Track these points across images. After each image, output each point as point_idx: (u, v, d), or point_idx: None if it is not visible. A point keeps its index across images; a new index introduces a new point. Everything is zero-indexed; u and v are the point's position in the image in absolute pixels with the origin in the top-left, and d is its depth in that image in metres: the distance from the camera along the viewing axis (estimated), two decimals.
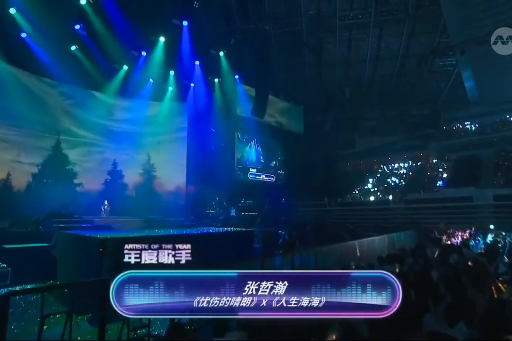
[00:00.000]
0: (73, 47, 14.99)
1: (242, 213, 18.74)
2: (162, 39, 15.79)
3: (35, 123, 16.05)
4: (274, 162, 24.27)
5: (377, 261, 5.26)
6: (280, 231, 7.26)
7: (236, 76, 19.77)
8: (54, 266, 7.73)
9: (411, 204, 18.91)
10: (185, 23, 15.64)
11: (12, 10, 13.25)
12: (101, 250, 5.73)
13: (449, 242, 9.85)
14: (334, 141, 28.26)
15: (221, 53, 17.99)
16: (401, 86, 27.88)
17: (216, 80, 19.39)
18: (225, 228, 9.60)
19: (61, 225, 8.19)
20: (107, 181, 17.41)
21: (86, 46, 14.75)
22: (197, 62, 17.82)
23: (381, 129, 29.62)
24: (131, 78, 16.88)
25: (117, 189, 17.52)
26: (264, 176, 22.99)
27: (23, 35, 14.05)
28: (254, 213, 19.31)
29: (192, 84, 18.98)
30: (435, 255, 5.84)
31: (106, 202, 13.55)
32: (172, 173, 19.11)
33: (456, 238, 10.48)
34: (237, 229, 9.06)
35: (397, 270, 4.78)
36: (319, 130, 25.94)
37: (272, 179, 23.54)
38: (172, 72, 17.98)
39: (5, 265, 7.20)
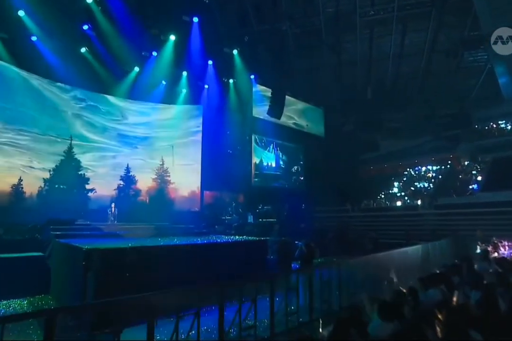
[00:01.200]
0: (82, 49, 14.69)
1: (260, 220, 17.80)
2: (172, 37, 15.22)
3: (47, 128, 15.83)
4: (296, 167, 23.30)
5: (418, 283, 4.23)
6: (296, 242, 6.28)
7: (252, 76, 19.01)
8: (48, 278, 7.08)
9: (442, 209, 17.40)
10: (195, 19, 14.99)
11: (21, 13, 13.08)
12: (84, 263, 4.99)
13: (496, 254, 8.52)
14: (356, 144, 26.96)
15: (235, 52, 17.21)
16: (427, 84, 26.29)
17: (230, 81, 18.71)
18: (236, 237, 8.70)
19: (57, 233, 7.53)
20: (119, 186, 16.95)
21: (96, 48, 14.44)
22: (210, 62, 17.20)
23: (405, 131, 28.05)
24: (143, 80, 16.43)
25: (130, 194, 17.04)
26: (284, 181, 22.02)
27: (33, 38, 13.87)
28: (272, 220, 18.35)
29: (206, 86, 18.37)
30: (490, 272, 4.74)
31: (113, 205, 12.96)
32: (186, 177, 18.46)
33: (504, 249, 9.11)
34: (249, 238, 8.14)
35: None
36: (340, 133, 24.80)
37: (292, 184, 22.51)
38: (185, 73, 17.45)
39: None
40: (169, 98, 18.16)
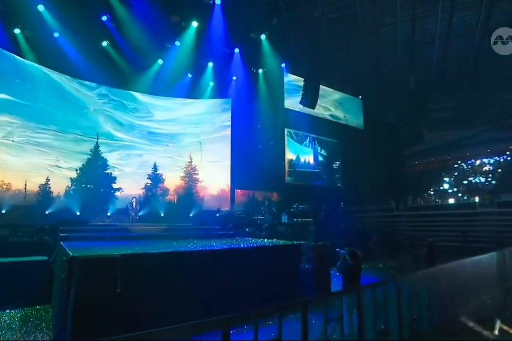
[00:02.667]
0: (104, 43, 14.25)
1: (295, 220, 16.45)
2: (194, 24, 14.24)
3: (74, 127, 15.54)
4: (337, 163, 21.63)
5: None
6: (338, 250, 4.96)
7: (283, 65, 17.69)
8: (51, 285, 6.29)
9: (507, 207, 15.06)
10: (218, 1, 13.83)
11: (41, 7, 12.78)
12: (63, 276, 4.05)
13: None
14: (399, 136, 24.75)
15: (263, 37, 15.86)
16: (479, 68, 23.49)
17: (260, 70, 17.50)
18: (265, 240, 7.44)
19: (64, 234, 6.76)
20: (147, 185, 16.33)
21: (117, 41, 13.96)
22: (236, 50, 16.07)
23: (454, 121, 25.34)
24: (168, 73, 15.64)
25: (158, 193, 16.38)
26: (324, 179, 20.53)
27: (56, 34, 13.56)
28: (308, 219, 16.93)
29: (234, 77, 17.31)
30: None
31: (134, 200, 12.21)
32: (216, 175, 17.50)
33: None
34: (279, 242, 6.86)
35: None
36: (381, 125, 22.76)
37: (332, 182, 20.86)
38: (210, 65, 16.50)
39: None
40: (196, 92, 17.32)
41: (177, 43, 14.74)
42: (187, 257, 4.69)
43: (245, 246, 5.93)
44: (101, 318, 3.67)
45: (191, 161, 17.38)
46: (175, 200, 16.62)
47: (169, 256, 4.60)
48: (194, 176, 17.32)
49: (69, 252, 4.11)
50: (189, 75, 16.47)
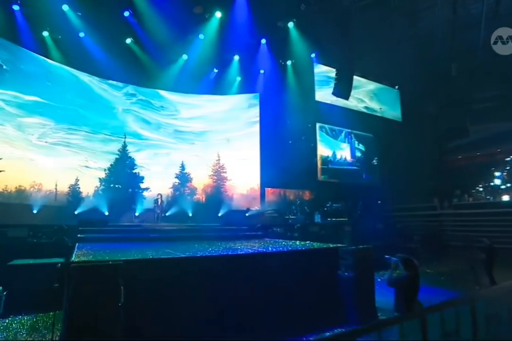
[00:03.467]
0: (128, 40, 14.08)
1: (328, 219, 15.46)
2: (218, 14, 13.60)
3: (101, 127, 15.53)
4: (376, 158, 20.25)
5: None
6: (387, 256, 4.07)
7: (312, 55, 16.67)
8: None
9: None
10: None
11: (65, 7, 12.76)
12: (55, 285, 3.53)
13: None
14: (440, 129, 22.89)
15: (291, 24, 14.91)
16: None
17: (288, 62, 16.62)
18: (297, 243, 6.60)
19: (80, 236, 6.37)
20: (175, 184, 16.01)
21: (140, 37, 13.73)
22: (263, 41, 15.28)
23: (503, 111, 23.11)
24: (193, 69, 15.23)
25: (185, 193, 16.00)
26: (362, 176, 19.38)
27: (81, 34, 13.54)
28: (343, 219, 15.87)
29: (261, 71, 16.59)
30: None
31: (159, 197, 11.79)
32: (244, 173, 16.88)
33: None
34: (312, 245, 6.00)
35: None
36: (421, 117, 21.12)
37: (370, 179, 19.56)
38: (236, 58, 15.91)
39: (0, 288, 5.55)
40: (223, 87, 16.79)
41: (201, 36, 14.21)
42: (204, 263, 4.03)
43: (274, 249, 5.16)
44: (100, 335, 3.08)
45: (219, 160, 16.88)
46: (203, 199, 16.18)
47: (183, 262, 3.96)
48: (222, 174, 16.79)
49: (73, 256, 3.60)
50: (215, 70, 15.96)
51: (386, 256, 4.07)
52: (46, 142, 13.79)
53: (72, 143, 14.39)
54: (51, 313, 5.72)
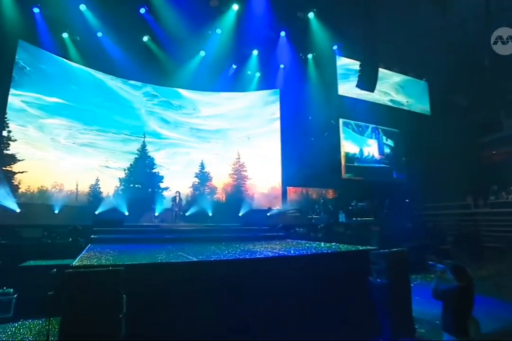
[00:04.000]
0: (145, 38, 13.93)
1: (353, 219, 14.74)
2: (235, 7, 13.12)
3: (122, 127, 15.53)
4: (402, 154, 19.19)
5: None
6: (431, 263, 3.48)
7: (335, 47, 15.98)
8: None
9: None
10: None
11: (82, 7, 12.74)
12: (50, 294, 3.19)
13: None
14: (472, 123, 21.54)
15: (311, 15, 14.21)
16: None
17: (309, 56, 15.95)
18: (322, 244, 6.03)
19: (93, 236, 6.11)
20: (194, 184, 15.76)
21: (157, 34, 13.55)
22: (282, 33, 14.69)
23: None
24: (212, 66, 14.94)
25: (205, 192, 15.72)
26: (391, 173, 18.44)
27: (99, 34, 13.51)
28: (368, 218, 15.11)
29: (281, 65, 16.04)
30: None
31: (177, 194, 11.50)
32: (265, 171, 16.40)
33: None
34: (339, 247, 5.44)
35: None
36: (451, 110, 19.91)
37: (399, 176, 18.59)
38: (255, 53, 15.43)
39: (11, 290, 5.32)
40: (242, 84, 16.38)
41: (218, 31, 13.81)
42: (217, 268, 3.60)
43: (297, 252, 4.65)
44: None
45: (239, 158, 16.50)
46: (224, 199, 15.86)
47: (194, 266, 3.53)
48: (242, 173, 16.40)
49: (76, 260, 3.26)
50: (234, 66, 15.56)
51: (430, 262, 3.48)
52: (67, 143, 13.86)
53: (92, 144, 14.40)
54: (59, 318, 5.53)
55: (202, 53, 14.67)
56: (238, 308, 3.56)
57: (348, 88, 16.42)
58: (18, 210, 11.73)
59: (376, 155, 17.99)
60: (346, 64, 16.90)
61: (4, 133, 12.55)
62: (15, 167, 12.46)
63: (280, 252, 4.77)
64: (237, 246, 6.02)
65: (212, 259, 3.90)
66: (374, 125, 18.02)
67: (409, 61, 18.76)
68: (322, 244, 6.10)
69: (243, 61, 15.67)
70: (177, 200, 11.27)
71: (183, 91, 16.38)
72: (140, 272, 3.26)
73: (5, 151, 12.56)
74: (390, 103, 18.24)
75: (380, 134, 18.09)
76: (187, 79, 15.45)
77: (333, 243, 6.10)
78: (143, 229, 7.64)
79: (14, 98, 12.75)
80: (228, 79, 16.01)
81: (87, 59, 14.27)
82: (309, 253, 4.67)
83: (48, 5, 12.49)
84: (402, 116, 18.55)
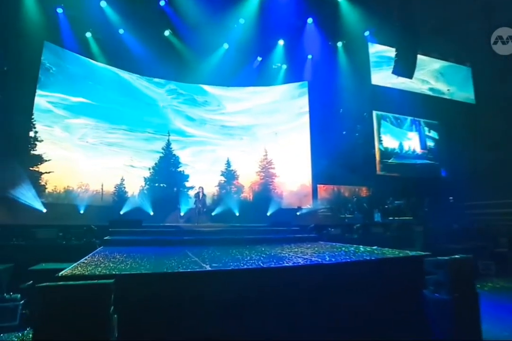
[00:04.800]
0: (166, 32, 13.56)
1: (390, 218, 13.59)
2: None
3: (146, 126, 15.30)
4: (444, 147, 17.63)
5: None
6: None
7: (366, 33, 14.76)
8: None
9: None
10: None
11: (103, 3, 12.54)
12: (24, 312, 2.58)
13: None
14: None
15: None
16: None
17: (339, 44, 14.95)
18: (361, 248, 5.14)
19: (106, 238, 5.66)
20: (220, 183, 15.25)
21: (178, 28, 13.18)
22: (309, 20, 13.76)
23: None
24: (236, 59, 14.33)
25: (232, 191, 15.15)
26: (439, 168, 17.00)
27: (120, 31, 13.29)
28: (407, 218, 13.90)
29: (309, 56, 15.13)
30: None
31: (200, 190, 10.91)
32: (294, 169, 15.58)
33: None
34: (383, 253, 4.55)
35: None
36: (498, 98, 18.11)
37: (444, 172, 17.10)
38: (281, 43, 14.65)
39: (18, 296, 4.91)
40: (268, 78, 15.66)
41: (241, 21, 13.16)
42: (234, 279, 2.88)
43: (333, 259, 3.85)
44: None
45: (266, 155, 15.78)
46: (251, 198, 15.21)
47: (205, 278, 2.83)
48: (270, 171, 15.66)
49: (70, 267, 2.69)
50: (259, 59, 14.85)
51: None
52: (92, 142, 13.78)
53: (116, 143, 14.25)
54: None
55: (226, 45, 14.08)
56: (258, 329, 2.85)
57: (382, 77, 15.23)
58: (44, 210, 11.81)
59: (418, 149, 16.58)
60: (380, 51, 15.66)
61: (31, 134, 12.65)
62: (42, 168, 12.50)
63: (313, 259, 3.96)
64: (263, 249, 5.29)
65: (230, 268, 3.18)
66: (412, 117, 16.63)
67: (450, 46, 17.18)
68: (362, 248, 5.21)
69: (269, 53, 14.92)
70: (200, 196, 10.67)
71: (207, 87, 15.90)
72: (137, 284, 2.63)
73: (32, 152, 12.65)
74: (429, 92, 16.74)
75: (421, 126, 16.63)
76: (211, 74, 14.91)
77: (374, 247, 5.25)
78: (161, 229, 7.11)
79: (41, 99, 12.79)
80: (253, 73, 15.35)
81: (110, 58, 14.14)
82: (348, 260, 3.84)
83: (70, 5, 12.41)
84: (443, 106, 17.00)
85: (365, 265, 3.75)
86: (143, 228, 6.77)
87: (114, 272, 2.77)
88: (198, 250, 5.09)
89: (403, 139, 16.31)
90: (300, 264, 3.58)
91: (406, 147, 16.26)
